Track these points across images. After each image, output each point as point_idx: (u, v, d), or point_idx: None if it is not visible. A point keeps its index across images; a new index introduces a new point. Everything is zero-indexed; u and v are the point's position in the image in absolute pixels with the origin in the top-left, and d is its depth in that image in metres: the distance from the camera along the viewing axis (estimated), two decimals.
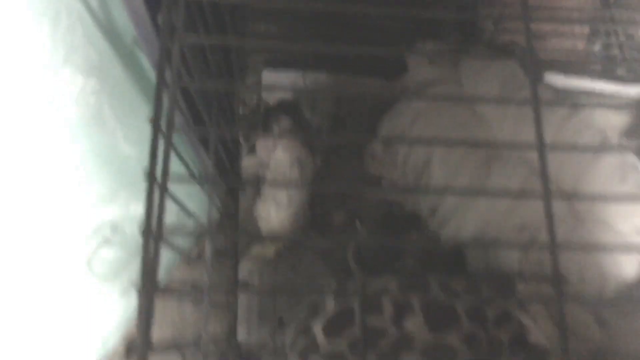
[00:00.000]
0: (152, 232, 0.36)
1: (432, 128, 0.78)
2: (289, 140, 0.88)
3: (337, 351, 0.55)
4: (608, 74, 0.93)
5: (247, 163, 0.89)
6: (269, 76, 0.94)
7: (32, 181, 0.62)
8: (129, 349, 0.33)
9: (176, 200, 0.50)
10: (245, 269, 0.89)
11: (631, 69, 0.96)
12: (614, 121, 0.85)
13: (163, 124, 0.38)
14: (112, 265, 0.76)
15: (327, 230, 0.91)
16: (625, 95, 0.90)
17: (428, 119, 0.79)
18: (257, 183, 0.90)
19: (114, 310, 0.77)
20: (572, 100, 0.86)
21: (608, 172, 0.71)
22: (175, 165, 0.56)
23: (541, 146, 0.42)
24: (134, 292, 0.36)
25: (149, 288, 0.35)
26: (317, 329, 0.58)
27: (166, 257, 0.87)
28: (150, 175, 0.36)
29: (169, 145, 0.38)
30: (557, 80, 0.90)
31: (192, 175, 0.59)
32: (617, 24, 0.96)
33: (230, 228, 0.91)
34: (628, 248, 0.60)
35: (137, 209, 0.77)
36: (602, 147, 0.74)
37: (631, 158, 0.71)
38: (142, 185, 0.72)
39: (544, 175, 0.41)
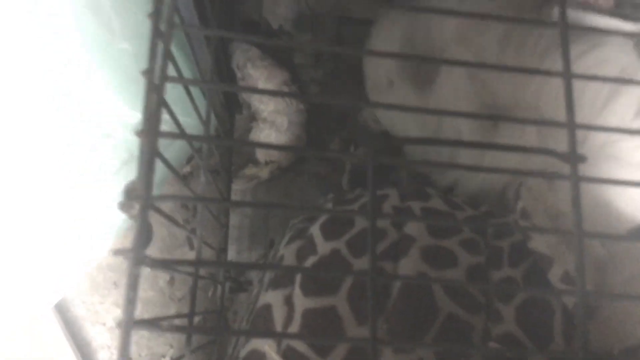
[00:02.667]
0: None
1: None
2: (267, 69, 0.85)
3: (334, 249, 0.54)
4: (615, 12, 0.91)
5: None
6: None
7: (18, 77, 0.59)
8: (127, 191, 0.31)
9: (169, 111, 0.47)
10: (237, 189, 0.88)
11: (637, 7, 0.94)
12: (629, 59, 0.84)
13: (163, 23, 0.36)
14: (103, 170, 0.73)
15: (322, 156, 0.89)
16: (629, 32, 0.89)
17: None
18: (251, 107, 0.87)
19: (104, 215, 0.75)
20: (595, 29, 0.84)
21: (624, 108, 0.70)
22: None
23: (567, 74, 0.40)
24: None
25: (152, 132, 0.33)
26: (315, 229, 0.57)
27: (158, 172, 0.85)
28: (149, 78, 0.34)
29: (168, 46, 0.35)
30: (570, 15, 0.88)
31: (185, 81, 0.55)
32: None
33: (226, 145, 0.89)
34: None
35: (130, 116, 0.74)
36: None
37: None
38: (135, 90, 0.68)
39: (569, 103, 0.39)
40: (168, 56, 0.36)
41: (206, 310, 0.83)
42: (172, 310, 0.85)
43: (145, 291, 0.86)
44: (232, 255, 0.85)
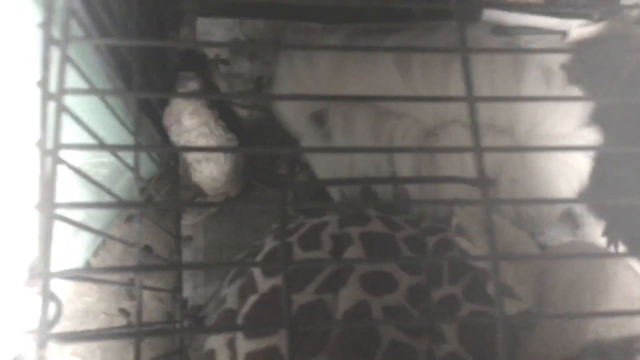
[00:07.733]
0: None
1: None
2: (195, 105, 0.82)
3: (274, 286, 0.54)
4: (549, 10, 0.92)
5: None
6: (203, 24, 0.91)
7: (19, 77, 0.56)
8: (30, 269, 0.31)
9: (77, 119, 0.45)
10: (188, 223, 0.87)
11: (571, 4, 0.96)
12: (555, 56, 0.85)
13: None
14: None
15: (272, 181, 0.89)
16: (565, 28, 0.90)
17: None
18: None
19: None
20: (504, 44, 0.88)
21: (534, 80, 0.72)
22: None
23: (471, 98, 0.40)
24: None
25: (48, 207, 0.33)
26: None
27: (103, 215, 0.84)
28: (44, 90, 0.33)
29: (64, 60, 0.35)
30: (497, 16, 0.89)
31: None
32: None
33: (171, 182, 0.88)
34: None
35: None
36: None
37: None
38: None
39: (474, 128, 0.39)
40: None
41: (167, 351, 0.82)
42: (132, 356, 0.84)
43: None
44: (188, 292, 0.84)
